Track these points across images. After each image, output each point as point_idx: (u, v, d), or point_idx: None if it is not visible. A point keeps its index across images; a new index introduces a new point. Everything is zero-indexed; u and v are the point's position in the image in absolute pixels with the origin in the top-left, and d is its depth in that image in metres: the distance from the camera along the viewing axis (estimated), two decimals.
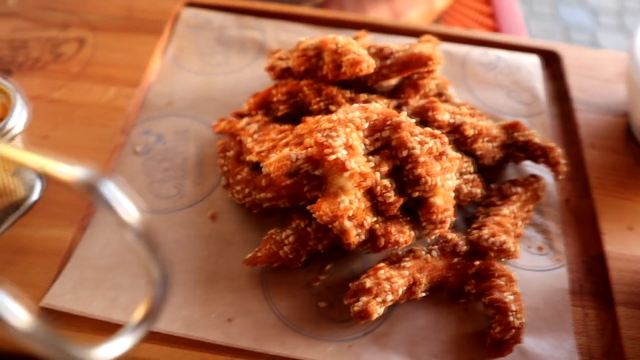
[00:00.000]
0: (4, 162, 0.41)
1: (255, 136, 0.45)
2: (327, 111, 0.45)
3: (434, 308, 0.43)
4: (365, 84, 0.48)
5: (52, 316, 0.41)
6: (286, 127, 0.45)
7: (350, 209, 0.37)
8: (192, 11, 0.60)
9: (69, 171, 0.21)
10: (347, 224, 0.37)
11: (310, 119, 0.43)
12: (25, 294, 0.42)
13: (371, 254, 0.45)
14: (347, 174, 0.37)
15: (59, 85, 0.52)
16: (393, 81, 0.50)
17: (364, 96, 0.46)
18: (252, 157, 0.44)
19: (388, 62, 0.46)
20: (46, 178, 0.45)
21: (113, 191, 0.20)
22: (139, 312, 0.22)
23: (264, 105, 0.48)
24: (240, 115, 0.49)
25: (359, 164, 0.38)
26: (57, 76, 0.53)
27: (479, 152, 0.46)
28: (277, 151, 0.42)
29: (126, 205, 0.20)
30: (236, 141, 0.47)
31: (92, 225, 0.45)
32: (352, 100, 0.46)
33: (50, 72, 0.53)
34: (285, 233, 0.42)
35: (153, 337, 0.40)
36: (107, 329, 0.40)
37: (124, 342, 0.21)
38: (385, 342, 0.41)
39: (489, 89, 0.55)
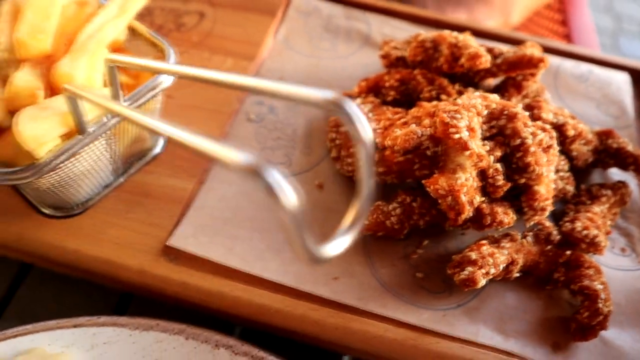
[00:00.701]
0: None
1: (370, 115, 0.49)
2: (438, 99, 0.50)
3: (522, 291, 0.47)
4: (472, 79, 0.52)
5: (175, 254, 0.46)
6: (399, 109, 0.49)
7: (465, 186, 0.42)
8: None
9: (236, 156, 0.23)
10: (463, 198, 0.41)
11: (426, 104, 0.47)
12: (150, 232, 0.47)
13: (465, 235, 0.49)
14: (467, 152, 0.41)
15: (181, 52, 0.57)
16: (494, 81, 0.55)
17: (471, 90, 0.51)
18: None
19: (498, 60, 0.50)
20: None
21: (276, 178, 0.22)
22: (348, 219, 0.26)
23: (374, 90, 0.53)
24: (349, 97, 0.54)
25: (477, 146, 0.42)
26: (180, 43, 0.58)
27: (574, 153, 0.50)
28: (394, 129, 0.46)
29: (287, 192, 0.22)
30: None
31: (209, 180, 0.50)
32: (460, 93, 0.50)
33: (172, 39, 0.58)
34: (392, 205, 0.47)
35: (268, 286, 0.44)
36: (223, 272, 0.45)
37: (341, 242, 0.25)
38: (475, 316, 0.45)
39: (579, 99, 0.59)
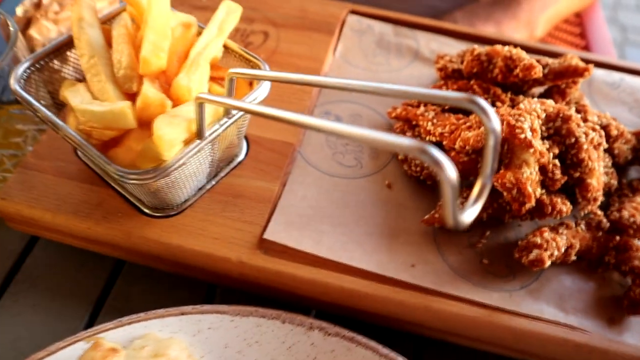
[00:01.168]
0: (239, 126, 0.53)
1: (435, 121, 0.57)
2: (494, 106, 0.57)
3: (576, 274, 0.53)
4: (521, 88, 0.60)
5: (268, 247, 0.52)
6: (460, 115, 0.57)
7: (530, 179, 0.49)
8: (356, 17, 0.72)
9: (405, 141, 0.30)
10: (530, 189, 0.48)
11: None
12: (244, 228, 0.53)
13: (521, 227, 0.56)
14: (531, 150, 0.48)
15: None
16: (538, 89, 0.62)
17: (522, 97, 0.58)
18: (432, 138, 0.56)
19: (545, 71, 0.58)
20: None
21: (437, 153, 0.29)
22: (474, 193, 0.32)
23: None
24: (410, 105, 0.61)
25: (539, 144, 0.49)
26: None
27: (616, 151, 0.57)
28: (459, 132, 0.53)
29: (448, 165, 0.28)
30: (411, 125, 0.59)
31: (289, 183, 0.57)
32: (512, 101, 0.58)
33: None
34: (458, 201, 0.54)
35: (355, 273, 0.51)
36: (313, 262, 0.52)
37: (472, 212, 0.31)
38: (538, 296, 0.51)
39: (613, 104, 0.67)
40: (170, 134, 0.43)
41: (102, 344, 0.46)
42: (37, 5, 0.68)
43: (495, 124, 0.30)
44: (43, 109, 0.48)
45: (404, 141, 0.29)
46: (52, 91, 0.54)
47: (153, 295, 0.58)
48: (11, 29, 0.57)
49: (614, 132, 0.55)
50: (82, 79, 0.55)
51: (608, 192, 0.57)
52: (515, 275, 0.52)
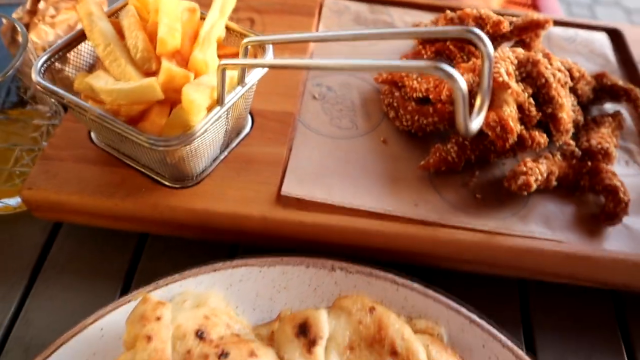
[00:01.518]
0: (247, 97, 0.59)
1: (419, 79, 0.64)
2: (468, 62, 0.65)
3: (557, 198, 0.61)
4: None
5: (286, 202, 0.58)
6: None
7: (510, 116, 0.57)
8: (332, 0, 0.80)
9: (423, 62, 0.37)
10: (511, 123, 0.56)
11: (464, 64, 0.62)
12: (261, 189, 0.59)
13: (505, 165, 0.64)
14: (509, 90, 0.56)
15: None
16: (506, 45, 0.70)
17: None
18: (418, 94, 0.63)
19: (510, 27, 0.66)
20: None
21: (449, 68, 0.35)
22: (476, 106, 0.39)
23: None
24: None
25: (515, 85, 0.57)
26: None
27: (579, 92, 0.66)
28: (443, 85, 0.61)
29: (457, 76, 0.35)
30: (397, 86, 0.66)
31: (295, 147, 0.63)
32: None
33: None
34: (449, 144, 0.61)
35: (366, 216, 0.58)
36: (328, 210, 0.58)
37: (478, 121, 0.39)
38: (527, 220, 0.59)
39: (571, 56, 0.76)
40: (199, 99, 0.49)
41: (150, 298, 0.51)
42: (32, 12, 0.73)
43: (490, 49, 0.38)
44: (69, 94, 0.54)
45: (420, 63, 0.36)
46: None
47: (178, 266, 0.63)
48: (20, 30, 0.62)
49: (577, 74, 0.64)
50: (89, 71, 0.61)
51: (576, 127, 0.65)
52: (505, 205, 0.60)
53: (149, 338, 0.47)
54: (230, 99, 0.53)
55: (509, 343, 0.51)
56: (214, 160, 0.61)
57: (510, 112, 0.56)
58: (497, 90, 0.57)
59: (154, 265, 0.64)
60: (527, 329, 0.59)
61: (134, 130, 0.51)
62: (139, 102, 0.51)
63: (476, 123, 0.38)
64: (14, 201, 0.65)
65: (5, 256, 0.65)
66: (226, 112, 0.55)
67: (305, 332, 0.50)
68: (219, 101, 0.52)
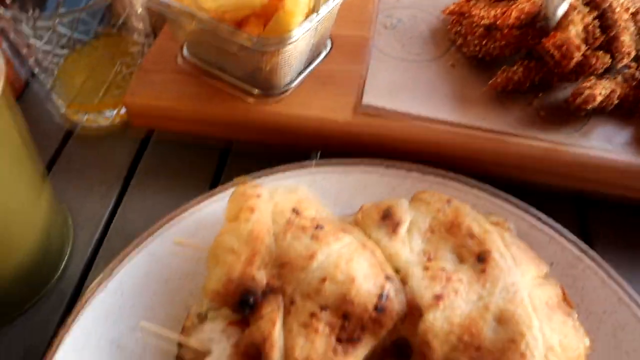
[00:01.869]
0: (331, 15, 0.65)
1: (485, 8, 0.70)
2: None
3: (617, 118, 0.66)
4: None
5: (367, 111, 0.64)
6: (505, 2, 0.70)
7: (577, 34, 0.62)
8: None
9: None
10: (577, 40, 0.61)
11: None
12: (343, 100, 0.65)
13: (567, 89, 0.69)
14: (575, 11, 0.62)
15: None
16: None
17: None
18: (486, 21, 0.69)
19: None
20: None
21: None
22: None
23: None
24: None
25: (580, 6, 0.63)
26: None
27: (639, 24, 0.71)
28: (511, 11, 0.67)
29: None
30: (464, 17, 0.72)
31: (370, 68, 0.69)
32: None
33: None
34: (516, 67, 0.67)
35: (443, 124, 0.63)
36: (407, 121, 0.64)
37: (563, 6, 0.44)
38: (589, 136, 0.64)
39: None
40: (301, 2, 0.55)
41: (248, 181, 0.57)
42: None
43: None
44: (176, 3, 0.60)
45: None
46: None
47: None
48: None
49: (638, 4, 0.69)
50: None
51: (636, 55, 0.70)
52: (568, 122, 0.65)
53: (251, 210, 0.53)
54: (324, 10, 0.60)
55: (575, 238, 0.57)
56: (299, 74, 0.67)
57: (576, 31, 0.62)
58: (564, 14, 0.62)
59: (239, 168, 0.68)
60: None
61: (238, 32, 0.57)
62: (243, 6, 0.58)
63: (561, 8, 0.43)
64: (110, 113, 0.72)
65: (102, 163, 0.72)
66: (316, 24, 0.61)
67: (389, 216, 0.56)
68: (315, 8, 0.58)
